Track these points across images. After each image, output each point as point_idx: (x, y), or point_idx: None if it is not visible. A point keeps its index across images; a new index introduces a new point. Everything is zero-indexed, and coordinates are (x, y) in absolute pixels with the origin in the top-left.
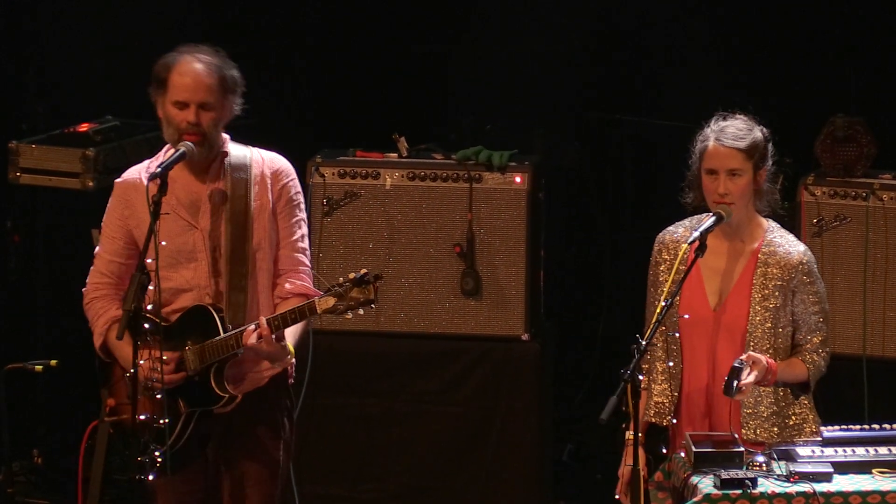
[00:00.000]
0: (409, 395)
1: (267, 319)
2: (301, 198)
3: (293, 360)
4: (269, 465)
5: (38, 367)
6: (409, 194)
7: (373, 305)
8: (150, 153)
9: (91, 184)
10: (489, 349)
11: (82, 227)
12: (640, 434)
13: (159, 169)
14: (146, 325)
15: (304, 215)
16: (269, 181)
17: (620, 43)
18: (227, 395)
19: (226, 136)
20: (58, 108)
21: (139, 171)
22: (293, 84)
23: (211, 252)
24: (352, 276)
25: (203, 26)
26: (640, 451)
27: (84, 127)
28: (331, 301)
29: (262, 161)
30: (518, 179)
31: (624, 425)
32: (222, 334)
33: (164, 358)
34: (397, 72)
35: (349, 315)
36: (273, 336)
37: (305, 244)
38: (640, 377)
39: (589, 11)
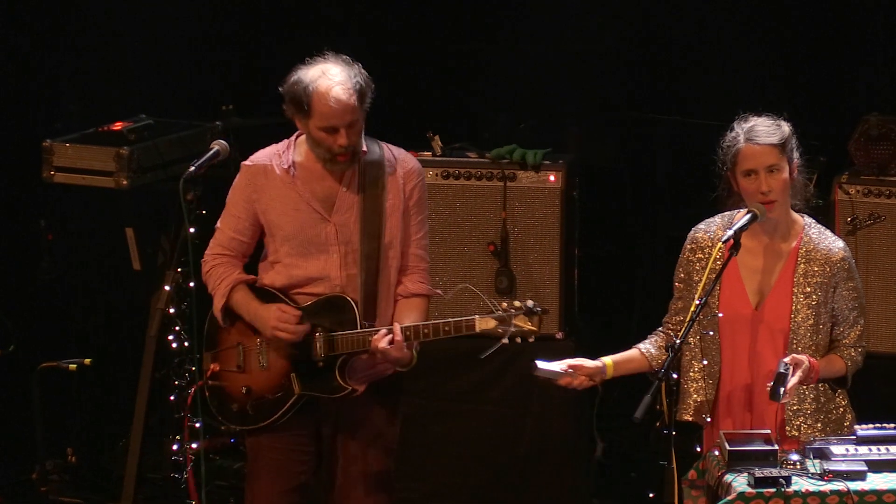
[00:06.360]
0: (443, 394)
1: (402, 327)
2: (426, 196)
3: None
4: (385, 448)
5: (72, 366)
6: (443, 193)
7: (531, 339)
8: (184, 152)
9: (125, 182)
10: (523, 347)
11: (116, 225)
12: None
13: (192, 168)
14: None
15: (427, 213)
16: (401, 181)
17: (655, 41)
18: (349, 388)
19: None
20: (92, 107)
21: (269, 157)
22: None
23: (343, 245)
24: (517, 303)
25: (238, 24)
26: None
27: (118, 126)
28: (492, 323)
29: (395, 160)
30: (552, 178)
31: (658, 423)
32: (359, 329)
33: (197, 356)
34: (431, 70)
35: (505, 341)
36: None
37: (427, 241)
38: (674, 375)
39: (625, 10)
